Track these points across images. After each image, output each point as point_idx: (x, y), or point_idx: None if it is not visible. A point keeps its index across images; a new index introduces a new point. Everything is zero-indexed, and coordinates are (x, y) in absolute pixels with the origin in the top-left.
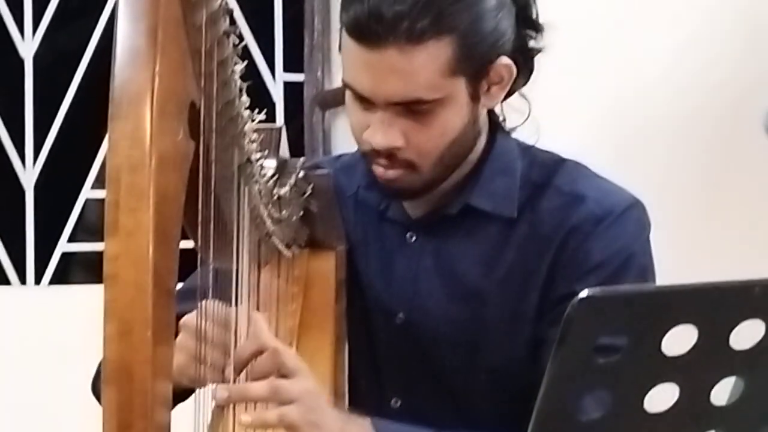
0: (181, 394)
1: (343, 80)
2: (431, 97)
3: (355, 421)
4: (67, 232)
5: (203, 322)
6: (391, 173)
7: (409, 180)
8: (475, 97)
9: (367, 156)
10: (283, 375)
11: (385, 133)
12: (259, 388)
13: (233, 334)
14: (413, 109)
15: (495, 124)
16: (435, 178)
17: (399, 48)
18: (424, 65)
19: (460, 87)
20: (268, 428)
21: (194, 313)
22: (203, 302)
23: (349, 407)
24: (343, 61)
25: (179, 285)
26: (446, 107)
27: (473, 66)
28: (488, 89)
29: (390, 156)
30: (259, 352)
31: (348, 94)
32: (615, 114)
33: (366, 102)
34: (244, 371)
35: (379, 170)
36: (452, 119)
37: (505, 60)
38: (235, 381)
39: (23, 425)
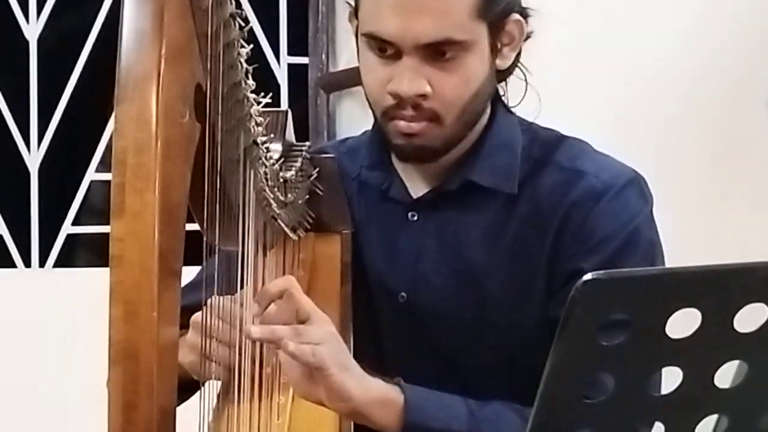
0: (189, 388)
1: (364, 32)
2: (460, 37)
3: (378, 377)
4: (71, 214)
5: (211, 319)
6: (416, 126)
7: (432, 135)
8: (494, 50)
9: (388, 113)
10: (302, 322)
11: (411, 79)
12: (284, 328)
13: (240, 331)
14: (439, 54)
15: (496, 101)
16: (453, 137)
17: None
18: (455, 2)
19: (483, 34)
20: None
21: (203, 311)
22: (210, 299)
23: None
24: (365, 11)
25: (185, 269)
26: (471, 54)
27: (496, 12)
28: (500, 49)
29: (415, 106)
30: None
31: (366, 50)
32: (618, 94)
33: (390, 54)
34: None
35: (401, 124)
36: (476, 67)
37: (517, 16)
38: (241, 363)
39: (28, 408)
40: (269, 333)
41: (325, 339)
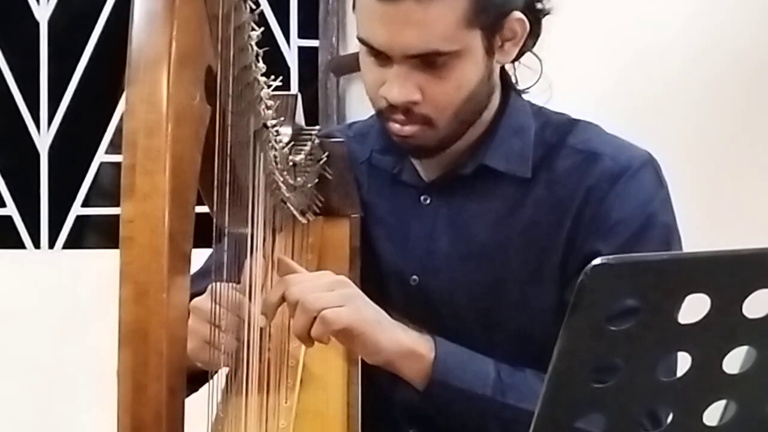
0: (197, 379)
1: (358, 36)
2: (447, 49)
3: (410, 328)
4: (81, 196)
5: (214, 305)
6: (408, 129)
7: (426, 136)
8: (490, 52)
9: (383, 113)
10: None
11: (401, 86)
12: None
13: (246, 315)
14: (429, 62)
15: (508, 85)
16: (450, 135)
17: None
18: (441, 16)
19: (475, 40)
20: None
21: (204, 296)
22: (212, 285)
23: (362, 374)
24: (358, 17)
25: (195, 251)
26: (462, 60)
27: (489, 18)
28: (502, 45)
29: (406, 111)
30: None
31: (363, 51)
32: (630, 76)
33: (382, 57)
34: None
35: (395, 127)
36: (468, 73)
37: (518, 14)
38: (250, 353)
39: (37, 389)
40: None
41: (346, 299)
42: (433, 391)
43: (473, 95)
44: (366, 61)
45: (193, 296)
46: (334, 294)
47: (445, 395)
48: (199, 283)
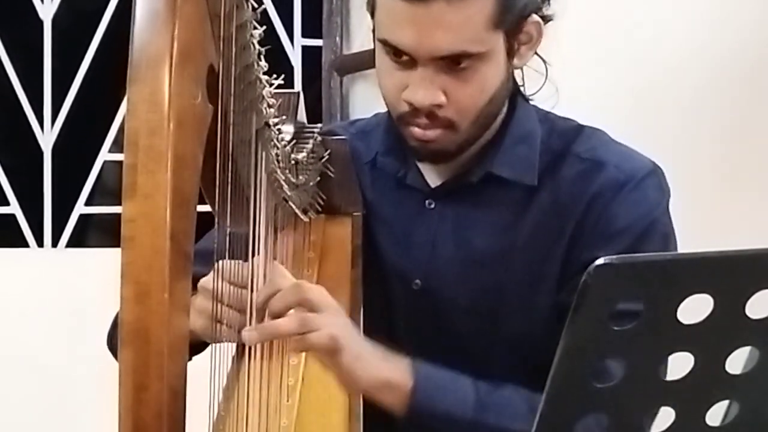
0: (198, 346)
1: (379, 38)
2: (476, 50)
3: (392, 356)
4: (84, 194)
5: (220, 282)
6: (431, 133)
7: (447, 141)
8: (510, 55)
9: (404, 118)
10: (311, 310)
11: (426, 89)
12: (287, 322)
13: (251, 292)
14: (454, 64)
15: (514, 92)
16: (468, 139)
17: (447, 0)
18: (472, 17)
19: (499, 42)
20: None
21: (212, 274)
22: (219, 263)
23: None
24: (380, 19)
25: None
26: (486, 63)
27: (512, 20)
28: (518, 49)
29: (430, 115)
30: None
31: (381, 55)
32: (634, 80)
33: (405, 61)
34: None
35: (417, 131)
36: (491, 75)
37: (535, 17)
38: (252, 350)
39: (39, 387)
40: (271, 332)
41: (332, 324)
42: (414, 417)
43: (494, 99)
44: (385, 65)
45: (194, 277)
46: (320, 318)
47: (427, 420)
48: (197, 263)
